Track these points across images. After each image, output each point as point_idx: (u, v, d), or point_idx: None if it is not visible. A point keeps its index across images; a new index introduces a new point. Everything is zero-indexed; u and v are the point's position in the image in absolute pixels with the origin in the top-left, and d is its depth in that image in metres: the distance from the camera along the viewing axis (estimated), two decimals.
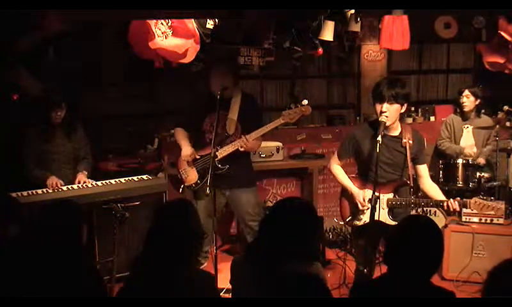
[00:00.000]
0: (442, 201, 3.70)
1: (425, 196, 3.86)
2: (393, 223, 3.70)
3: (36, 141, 4.43)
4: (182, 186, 4.54)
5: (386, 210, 3.75)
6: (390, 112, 3.63)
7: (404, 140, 3.75)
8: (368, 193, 3.75)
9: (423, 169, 3.87)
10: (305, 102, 4.25)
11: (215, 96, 4.26)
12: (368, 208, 3.72)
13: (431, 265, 2.39)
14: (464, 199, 3.69)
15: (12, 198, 3.65)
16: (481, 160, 5.40)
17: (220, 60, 4.59)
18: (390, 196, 3.76)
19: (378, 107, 3.66)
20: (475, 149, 5.50)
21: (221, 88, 4.21)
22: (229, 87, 4.35)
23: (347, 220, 3.94)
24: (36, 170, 4.39)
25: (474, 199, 3.67)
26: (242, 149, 4.31)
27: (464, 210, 4.64)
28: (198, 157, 4.44)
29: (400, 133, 3.79)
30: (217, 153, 4.25)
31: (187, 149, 4.46)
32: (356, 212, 3.85)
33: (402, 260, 2.36)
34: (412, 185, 3.78)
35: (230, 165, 4.35)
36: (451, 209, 3.67)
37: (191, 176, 4.46)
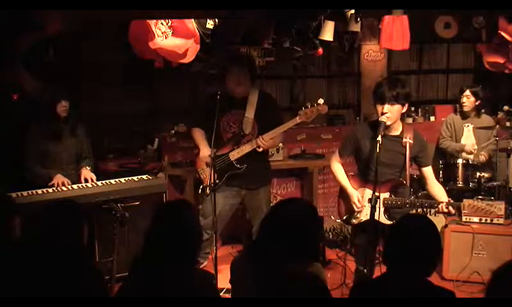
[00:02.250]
0: (436, 203, 3.70)
1: (430, 197, 3.86)
2: (389, 223, 3.72)
3: (39, 139, 4.42)
4: (201, 186, 4.50)
5: (382, 209, 3.75)
6: (391, 112, 3.63)
7: (404, 140, 3.75)
8: (367, 193, 3.77)
9: (427, 171, 3.87)
10: (321, 100, 4.25)
11: (230, 96, 4.32)
12: (363, 208, 3.77)
13: (429, 264, 2.39)
14: (459, 203, 3.69)
15: (11, 198, 3.66)
16: (483, 155, 5.40)
17: (236, 59, 4.58)
18: (386, 195, 3.76)
19: (379, 108, 3.66)
20: (476, 148, 5.50)
21: (236, 87, 4.27)
22: (244, 86, 4.36)
23: (344, 218, 3.97)
24: (39, 168, 4.39)
25: (468, 201, 3.67)
26: (259, 149, 4.31)
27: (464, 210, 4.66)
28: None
29: (401, 132, 3.79)
30: (233, 152, 4.34)
31: (206, 150, 4.43)
32: (352, 210, 3.87)
33: (401, 259, 2.37)
34: (408, 185, 3.79)
35: (247, 164, 4.35)
36: (444, 212, 3.67)
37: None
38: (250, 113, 4.42)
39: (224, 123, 4.44)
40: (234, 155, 4.35)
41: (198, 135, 4.57)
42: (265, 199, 4.61)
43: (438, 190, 3.85)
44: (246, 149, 4.34)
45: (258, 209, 4.58)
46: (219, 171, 4.36)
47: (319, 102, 4.25)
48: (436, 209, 3.70)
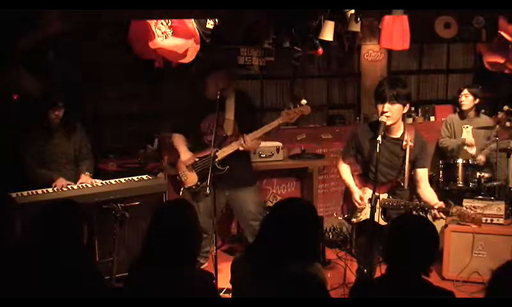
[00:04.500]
0: (428, 207, 3.68)
1: (421, 199, 3.85)
2: (385, 224, 3.72)
3: (37, 141, 4.42)
4: (181, 188, 4.54)
5: (380, 210, 3.75)
6: (391, 112, 3.63)
7: (404, 142, 3.74)
8: (368, 193, 3.77)
9: (422, 173, 3.84)
10: (304, 101, 4.25)
11: (207, 99, 4.33)
12: (364, 207, 3.77)
13: (427, 263, 2.39)
14: (447, 207, 3.67)
15: (11, 198, 3.66)
16: (481, 158, 5.40)
17: (215, 65, 4.58)
18: (385, 196, 3.76)
19: (380, 107, 3.66)
20: (474, 149, 5.51)
21: (219, 90, 4.22)
22: (226, 89, 4.36)
23: (346, 216, 4.01)
24: (42, 170, 4.38)
25: (456, 207, 3.67)
26: (241, 148, 4.32)
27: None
28: (197, 159, 4.45)
29: (402, 135, 3.77)
30: (216, 154, 4.28)
31: (186, 154, 4.49)
32: (353, 209, 3.88)
33: (399, 259, 2.38)
34: (406, 187, 3.77)
35: (229, 165, 4.35)
36: (437, 216, 3.66)
37: (190, 178, 4.48)
38: (230, 114, 4.45)
39: (205, 125, 4.45)
40: (217, 156, 4.33)
41: (178, 140, 4.60)
42: (251, 200, 4.59)
43: (429, 193, 3.82)
44: (228, 150, 4.35)
45: (243, 209, 4.59)
46: (201, 173, 4.37)
47: (301, 102, 4.25)
48: (431, 214, 3.68)
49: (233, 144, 4.35)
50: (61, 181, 4.33)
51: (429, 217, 3.82)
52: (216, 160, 4.29)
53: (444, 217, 3.71)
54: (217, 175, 4.25)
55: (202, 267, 4.52)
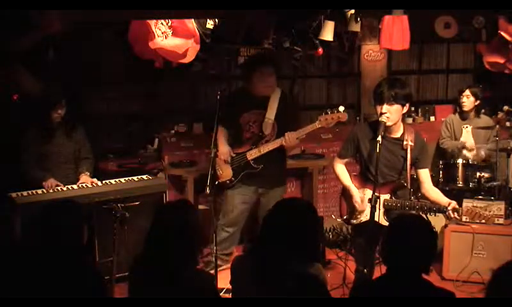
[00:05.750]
0: (441, 208, 3.68)
1: (427, 200, 3.85)
2: (387, 223, 3.71)
3: (36, 141, 4.42)
4: (216, 182, 4.51)
5: (382, 210, 3.74)
6: (390, 113, 3.63)
7: (405, 142, 3.74)
8: (367, 193, 3.76)
9: (424, 174, 3.84)
10: (342, 108, 4.28)
11: (250, 94, 4.39)
12: (364, 209, 3.76)
13: (425, 262, 2.40)
14: (458, 208, 3.68)
15: (11, 198, 3.66)
16: (481, 153, 5.41)
17: (266, 60, 4.59)
18: (387, 197, 3.76)
19: (378, 108, 3.66)
20: (474, 152, 5.52)
21: (265, 87, 4.33)
22: (272, 87, 4.43)
23: (345, 218, 3.97)
24: (35, 170, 4.38)
25: (467, 206, 3.67)
26: (284, 145, 4.35)
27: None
28: (233, 155, 4.48)
29: (402, 135, 3.77)
30: (251, 152, 4.41)
31: (224, 147, 4.49)
32: (353, 210, 3.86)
33: (398, 259, 2.38)
34: (410, 187, 3.77)
35: (266, 164, 4.41)
36: (451, 216, 3.67)
37: (226, 172, 4.49)
38: (271, 114, 4.46)
39: (245, 121, 4.48)
40: (251, 154, 4.41)
41: (219, 133, 4.51)
42: (281, 197, 4.61)
43: (435, 193, 3.84)
44: (266, 148, 4.38)
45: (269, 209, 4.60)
46: (235, 169, 4.43)
47: (339, 109, 4.27)
48: (447, 213, 3.68)
49: (275, 141, 4.38)
50: (50, 182, 4.32)
51: (436, 217, 3.85)
52: (250, 158, 4.41)
53: (458, 217, 3.71)
54: (249, 173, 4.41)
55: (222, 269, 4.41)
